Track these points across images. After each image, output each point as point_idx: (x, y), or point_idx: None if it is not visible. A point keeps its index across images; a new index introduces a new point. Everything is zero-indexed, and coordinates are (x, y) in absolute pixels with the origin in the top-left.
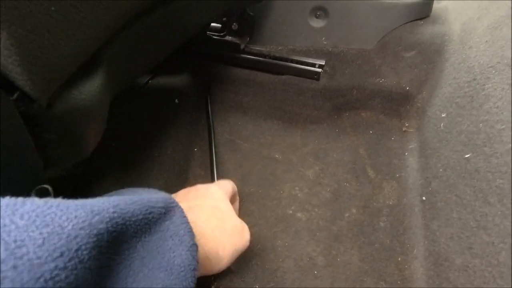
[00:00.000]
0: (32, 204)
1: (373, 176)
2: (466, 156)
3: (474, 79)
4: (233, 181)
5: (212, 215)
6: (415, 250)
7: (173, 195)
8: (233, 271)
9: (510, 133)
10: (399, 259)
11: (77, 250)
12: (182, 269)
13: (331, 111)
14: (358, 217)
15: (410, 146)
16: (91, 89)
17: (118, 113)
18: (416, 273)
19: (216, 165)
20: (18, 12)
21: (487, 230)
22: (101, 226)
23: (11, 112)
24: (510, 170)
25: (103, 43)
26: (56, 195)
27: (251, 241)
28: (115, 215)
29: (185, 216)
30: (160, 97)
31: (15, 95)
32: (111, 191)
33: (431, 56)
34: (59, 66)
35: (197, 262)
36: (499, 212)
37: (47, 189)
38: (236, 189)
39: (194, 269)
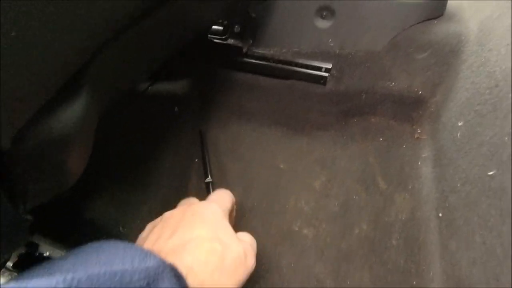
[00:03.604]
0: None
1: (384, 187)
2: (490, 173)
3: (497, 86)
4: (235, 193)
5: (210, 253)
6: (431, 273)
7: (168, 214)
8: None
9: None
10: (414, 282)
11: None
12: None
13: (339, 117)
14: (368, 233)
15: (423, 155)
16: (72, 115)
17: (114, 121)
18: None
19: (216, 175)
20: None
21: None
22: None
23: None
24: None
25: (90, 55)
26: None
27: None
28: None
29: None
30: (159, 105)
31: None
32: (105, 208)
33: (446, 57)
34: (31, 92)
35: None
36: None
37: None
38: (233, 199)
39: None
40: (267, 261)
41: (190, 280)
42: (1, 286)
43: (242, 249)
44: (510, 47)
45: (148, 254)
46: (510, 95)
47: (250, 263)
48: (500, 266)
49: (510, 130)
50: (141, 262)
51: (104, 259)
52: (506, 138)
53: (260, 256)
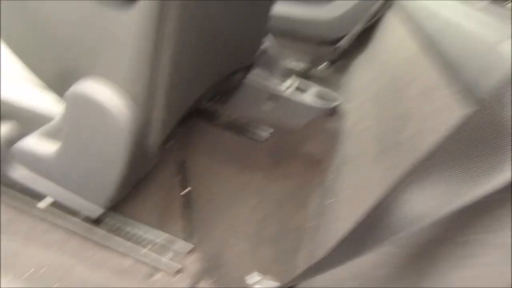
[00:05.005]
0: None
1: (289, 206)
2: (329, 201)
3: (340, 163)
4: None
5: None
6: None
7: None
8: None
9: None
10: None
11: None
12: None
13: (271, 163)
14: (275, 222)
15: (317, 191)
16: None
17: None
18: (302, 244)
19: (193, 190)
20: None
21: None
22: None
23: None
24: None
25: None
26: None
27: (213, 226)
28: None
29: None
30: None
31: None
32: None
33: (333, 139)
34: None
35: None
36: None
37: None
38: None
39: None
40: (219, 224)
41: None
42: None
43: None
44: (352, 141)
45: None
46: (345, 168)
47: None
48: (338, 225)
49: (345, 180)
50: None
51: None
52: (340, 184)
53: (215, 220)
